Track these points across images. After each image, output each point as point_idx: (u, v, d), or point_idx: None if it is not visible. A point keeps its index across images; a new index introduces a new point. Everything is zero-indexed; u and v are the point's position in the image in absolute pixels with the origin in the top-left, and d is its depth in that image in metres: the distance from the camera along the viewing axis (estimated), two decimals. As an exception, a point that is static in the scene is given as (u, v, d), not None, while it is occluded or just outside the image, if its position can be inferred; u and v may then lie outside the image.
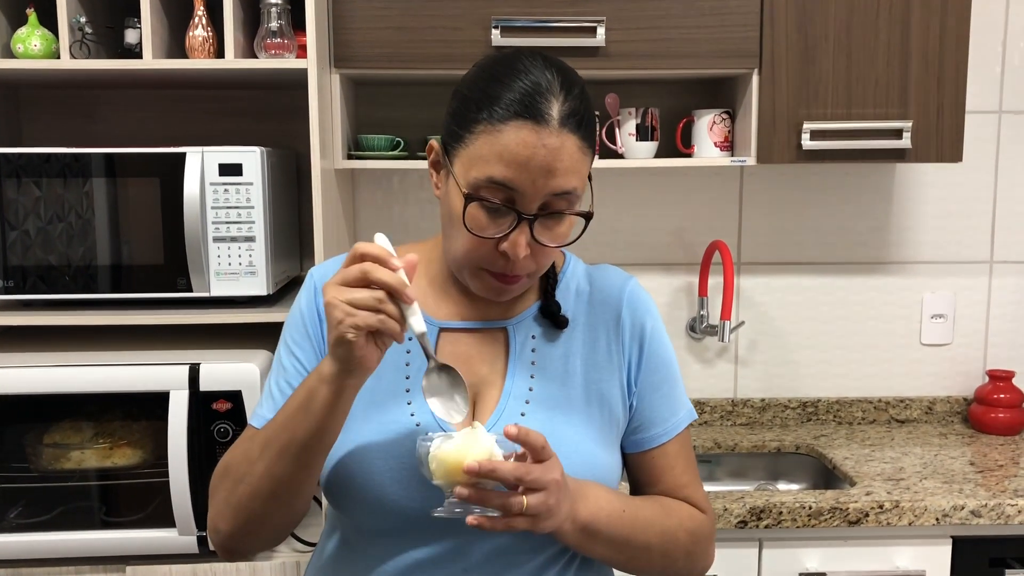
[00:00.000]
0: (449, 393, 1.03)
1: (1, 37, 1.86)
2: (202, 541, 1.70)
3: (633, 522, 1.10)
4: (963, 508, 1.81)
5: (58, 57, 1.80)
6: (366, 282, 0.95)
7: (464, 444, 0.96)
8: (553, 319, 1.16)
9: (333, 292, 0.96)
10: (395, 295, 0.95)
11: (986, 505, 1.81)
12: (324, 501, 1.79)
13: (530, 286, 1.16)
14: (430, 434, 1.00)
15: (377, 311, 0.94)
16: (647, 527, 1.12)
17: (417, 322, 0.98)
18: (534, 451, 0.98)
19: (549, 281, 1.18)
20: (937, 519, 1.81)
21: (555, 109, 1.02)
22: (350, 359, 0.96)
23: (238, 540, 1.10)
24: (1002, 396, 2.28)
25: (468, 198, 1.03)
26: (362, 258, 0.96)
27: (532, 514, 0.97)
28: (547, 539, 1.07)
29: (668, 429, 1.19)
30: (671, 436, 1.19)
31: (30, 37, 1.80)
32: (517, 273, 1.07)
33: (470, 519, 0.96)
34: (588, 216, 1.07)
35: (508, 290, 1.10)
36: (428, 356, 1.02)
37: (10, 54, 1.83)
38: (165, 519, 1.69)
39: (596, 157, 1.13)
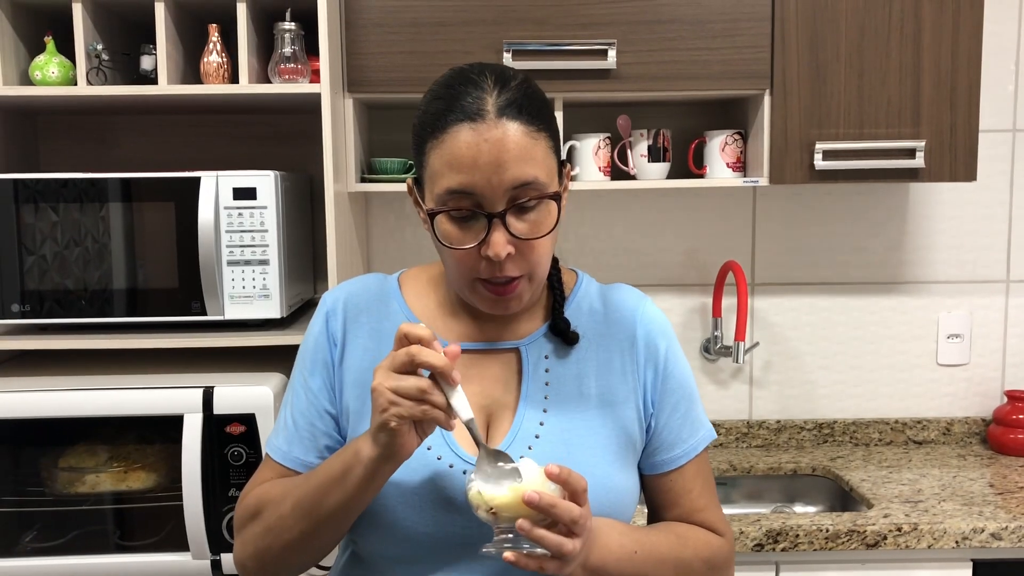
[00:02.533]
0: (502, 477, 0.98)
1: (20, 64, 1.88)
2: (215, 565, 1.70)
3: (644, 562, 1.09)
4: (983, 531, 1.79)
5: (75, 83, 1.82)
6: (414, 366, 0.95)
7: (531, 475, 0.95)
8: (563, 336, 1.16)
9: (381, 377, 0.96)
10: (440, 376, 0.96)
11: (1007, 528, 1.79)
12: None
13: (536, 296, 1.15)
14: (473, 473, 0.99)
15: (421, 401, 0.95)
16: (660, 564, 1.10)
17: (463, 408, 0.97)
18: (575, 494, 0.96)
19: (557, 299, 1.18)
20: (957, 542, 1.79)
21: (489, 104, 1.02)
22: (391, 445, 0.97)
23: None
24: (1021, 417, 2.25)
25: (431, 214, 1.05)
26: (406, 339, 0.97)
27: (568, 558, 0.96)
28: None
29: (687, 451, 1.18)
30: (689, 458, 1.18)
31: (48, 64, 1.82)
32: (509, 275, 1.06)
33: (507, 555, 0.95)
34: (556, 197, 1.06)
35: (509, 299, 1.09)
36: (478, 443, 1.00)
37: (28, 81, 1.86)
38: (179, 543, 1.69)
39: (561, 147, 1.10)
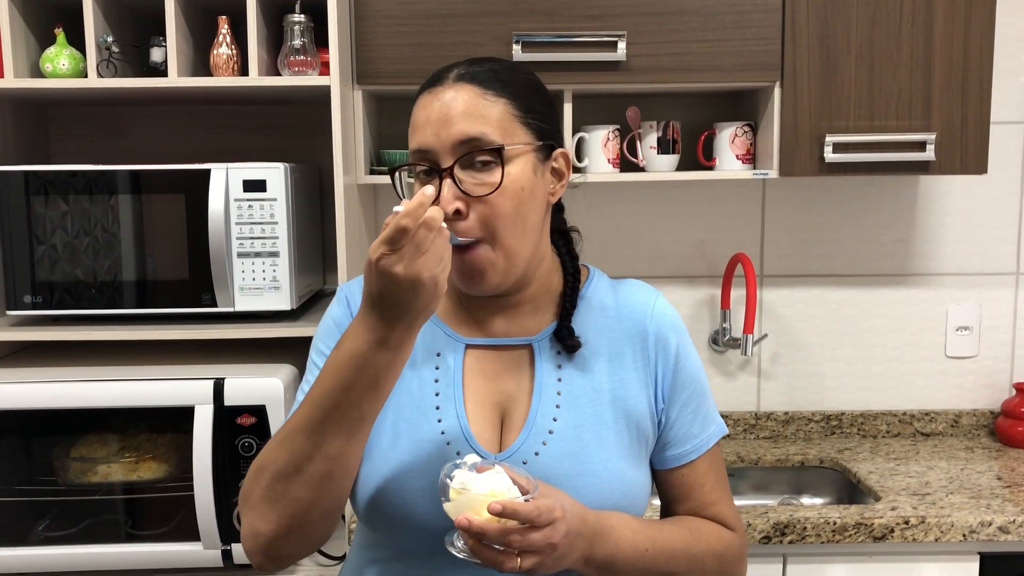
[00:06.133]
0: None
1: (30, 56, 1.89)
2: (226, 555, 1.71)
3: (656, 558, 1.09)
4: (991, 524, 1.79)
5: (85, 76, 1.83)
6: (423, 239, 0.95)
7: (479, 490, 0.96)
8: (563, 344, 1.15)
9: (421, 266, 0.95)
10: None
11: (1014, 521, 1.79)
12: (348, 526, 1.79)
13: (516, 277, 1.11)
14: (457, 461, 1.00)
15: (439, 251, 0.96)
16: (672, 559, 1.11)
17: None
18: (528, 522, 0.95)
19: (567, 303, 1.17)
20: (964, 535, 1.79)
21: (453, 74, 1.09)
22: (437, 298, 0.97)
23: (281, 540, 1.03)
24: (1029, 409, 2.25)
25: (391, 171, 1.11)
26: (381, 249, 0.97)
27: (528, 569, 0.97)
28: None
29: (698, 446, 1.18)
30: (701, 452, 1.19)
31: (58, 56, 1.82)
32: (465, 236, 1.05)
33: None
34: (499, 149, 1.05)
35: (474, 268, 1.07)
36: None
37: (39, 73, 1.86)
38: (190, 533, 1.70)
39: (536, 122, 1.11)
